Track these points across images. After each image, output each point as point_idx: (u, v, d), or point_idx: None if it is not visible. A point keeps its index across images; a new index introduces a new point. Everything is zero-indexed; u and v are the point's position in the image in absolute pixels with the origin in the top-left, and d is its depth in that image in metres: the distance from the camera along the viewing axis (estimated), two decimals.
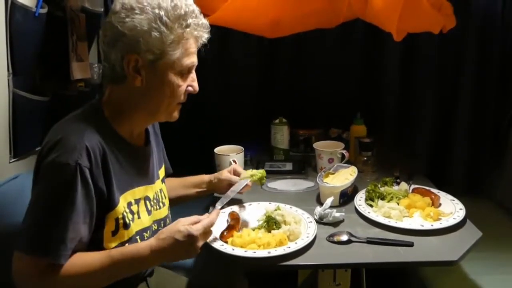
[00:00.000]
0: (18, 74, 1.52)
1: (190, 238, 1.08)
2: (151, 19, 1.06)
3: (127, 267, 1.08)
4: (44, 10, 1.61)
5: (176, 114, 1.20)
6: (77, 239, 1.02)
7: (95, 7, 1.93)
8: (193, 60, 1.15)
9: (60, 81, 1.75)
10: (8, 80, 1.49)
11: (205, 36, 1.16)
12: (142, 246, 1.09)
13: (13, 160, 1.53)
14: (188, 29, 1.10)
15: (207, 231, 1.13)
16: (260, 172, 1.48)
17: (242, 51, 2.41)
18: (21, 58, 1.52)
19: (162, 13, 1.06)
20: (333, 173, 1.63)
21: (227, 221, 1.37)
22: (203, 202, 1.62)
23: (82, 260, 1.03)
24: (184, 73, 1.15)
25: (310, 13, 1.90)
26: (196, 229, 1.09)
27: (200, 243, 1.11)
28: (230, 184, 1.50)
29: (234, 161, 1.73)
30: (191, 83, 1.18)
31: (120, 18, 1.06)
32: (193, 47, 1.14)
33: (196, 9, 1.13)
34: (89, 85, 1.90)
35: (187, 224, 1.10)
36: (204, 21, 1.15)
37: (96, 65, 1.93)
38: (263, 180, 1.49)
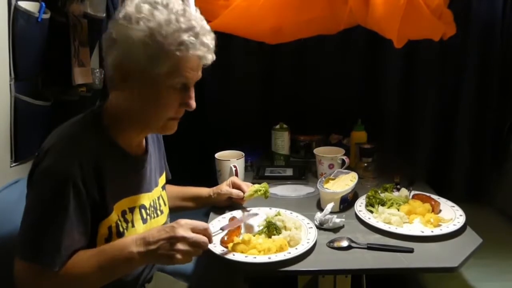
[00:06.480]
0: (20, 79, 1.52)
1: (172, 232, 1.04)
2: (142, 31, 1.03)
3: (114, 256, 1.04)
4: (46, 16, 1.61)
5: (172, 128, 1.15)
6: (73, 246, 1.02)
7: (97, 13, 1.94)
8: (184, 80, 1.08)
9: (62, 86, 1.76)
10: (10, 85, 1.50)
11: (205, 56, 1.09)
12: (129, 236, 1.09)
13: (14, 164, 1.53)
14: (182, 47, 1.04)
15: (192, 241, 1.06)
16: (263, 187, 1.49)
17: (243, 57, 2.42)
18: (23, 63, 1.52)
19: (154, 26, 1.03)
20: (333, 179, 1.63)
21: None
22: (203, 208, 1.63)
23: (78, 259, 1.03)
24: (176, 90, 1.08)
25: (311, 20, 1.91)
26: (182, 232, 1.05)
27: (179, 251, 1.04)
28: (230, 198, 1.52)
29: (235, 166, 1.74)
30: (187, 100, 1.11)
31: (117, 26, 1.05)
32: (188, 66, 1.06)
33: (198, 27, 1.06)
34: (90, 90, 1.91)
35: (184, 224, 1.07)
36: (206, 40, 1.08)
37: (97, 70, 1.94)
38: (268, 193, 1.50)
